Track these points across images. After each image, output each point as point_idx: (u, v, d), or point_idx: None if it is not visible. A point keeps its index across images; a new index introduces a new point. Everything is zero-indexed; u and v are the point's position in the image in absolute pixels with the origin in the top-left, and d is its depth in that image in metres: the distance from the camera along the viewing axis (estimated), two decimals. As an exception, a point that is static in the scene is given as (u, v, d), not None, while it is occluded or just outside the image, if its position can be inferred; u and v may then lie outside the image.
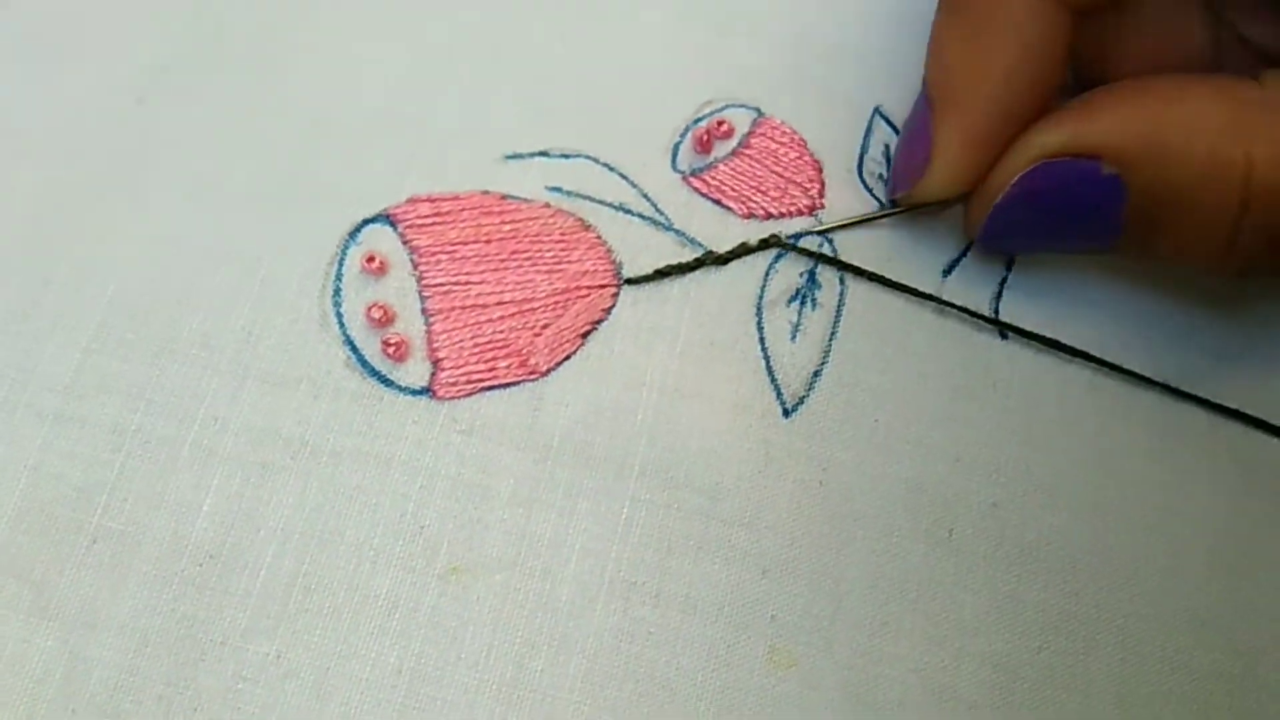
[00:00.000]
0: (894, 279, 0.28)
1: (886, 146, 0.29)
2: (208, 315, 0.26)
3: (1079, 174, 0.25)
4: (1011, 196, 0.26)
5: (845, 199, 0.29)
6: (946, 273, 0.28)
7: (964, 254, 0.28)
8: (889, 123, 0.30)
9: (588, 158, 0.29)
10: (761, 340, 0.27)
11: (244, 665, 0.24)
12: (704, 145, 0.29)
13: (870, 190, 0.29)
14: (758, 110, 0.30)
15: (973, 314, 0.28)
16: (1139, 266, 0.29)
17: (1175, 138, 0.24)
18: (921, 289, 0.28)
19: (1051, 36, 0.25)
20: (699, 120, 0.30)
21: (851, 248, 0.28)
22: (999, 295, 0.28)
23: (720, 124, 0.29)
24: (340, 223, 0.27)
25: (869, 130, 0.30)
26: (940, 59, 0.26)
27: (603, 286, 0.27)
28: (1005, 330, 0.28)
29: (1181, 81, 0.25)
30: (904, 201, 0.27)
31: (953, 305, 0.28)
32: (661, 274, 0.28)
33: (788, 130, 0.29)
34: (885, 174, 0.29)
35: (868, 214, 0.28)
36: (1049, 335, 0.28)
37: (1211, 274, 0.27)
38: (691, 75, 0.30)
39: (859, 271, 0.28)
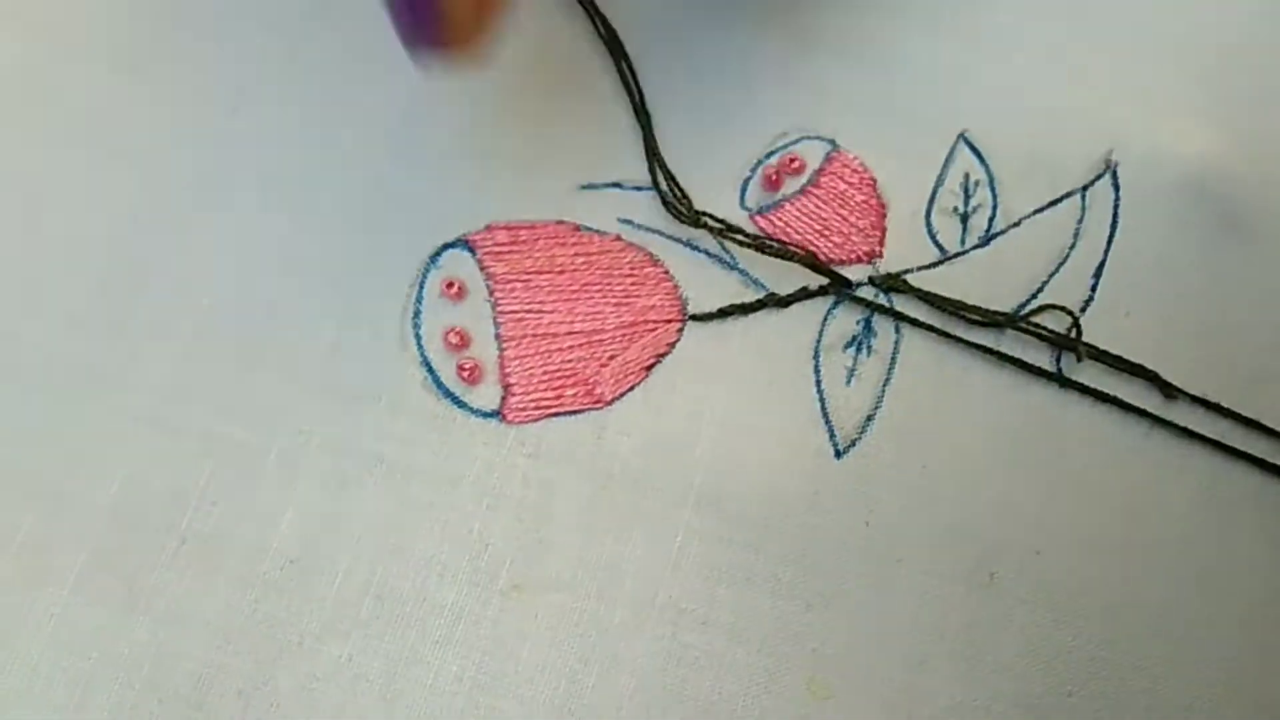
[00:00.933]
0: (953, 327, 0.29)
1: (966, 175, 0.30)
2: (295, 330, 0.28)
3: None
4: None
5: (905, 247, 0.29)
6: (1008, 322, 0.29)
7: (1029, 301, 0.29)
8: (974, 149, 0.30)
9: (658, 191, 0.30)
10: (818, 382, 0.28)
11: (318, 666, 0.25)
12: (774, 183, 0.30)
13: (935, 235, 0.29)
14: (832, 143, 0.30)
15: (1029, 366, 0.28)
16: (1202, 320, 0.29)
17: None
18: (983, 338, 0.29)
19: None
20: (771, 155, 0.30)
21: (910, 295, 0.29)
22: (1070, 333, 0.29)
23: (792, 160, 0.30)
24: (421, 246, 0.28)
25: (949, 160, 0.30)
26: None
27: (668, 321, 0.28)
28: (1064, 381, 0.28)
29: None
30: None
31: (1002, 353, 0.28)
32: (725, 313, 0.28)
33: (858, 169, 0.30)
34: (961, 208, 0.30)
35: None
36: (1107, 388, 0.28)
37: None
38: (769, 99, 0.31)
39: (915, 322, 0.28)
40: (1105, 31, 0.32)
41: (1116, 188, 0.31)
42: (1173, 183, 0.31)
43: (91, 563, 0.26)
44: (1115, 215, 0.30)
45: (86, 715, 0.25)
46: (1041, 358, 0.29)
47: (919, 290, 0.29)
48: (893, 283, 0.29)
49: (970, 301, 0.29)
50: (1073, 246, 0.30)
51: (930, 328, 0.28)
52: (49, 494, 0.26)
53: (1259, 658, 0.27)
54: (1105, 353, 0.29)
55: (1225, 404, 0.28)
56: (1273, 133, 0.31)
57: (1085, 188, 0.30)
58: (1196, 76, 0.32)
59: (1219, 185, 0.31)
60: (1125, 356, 0.29)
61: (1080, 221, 0.30)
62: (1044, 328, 0.29)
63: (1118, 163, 0.31)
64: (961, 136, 0.31)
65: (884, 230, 0.29)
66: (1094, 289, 0.30)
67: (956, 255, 0.29)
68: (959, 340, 0.28)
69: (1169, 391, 0.28)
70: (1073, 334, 0.29)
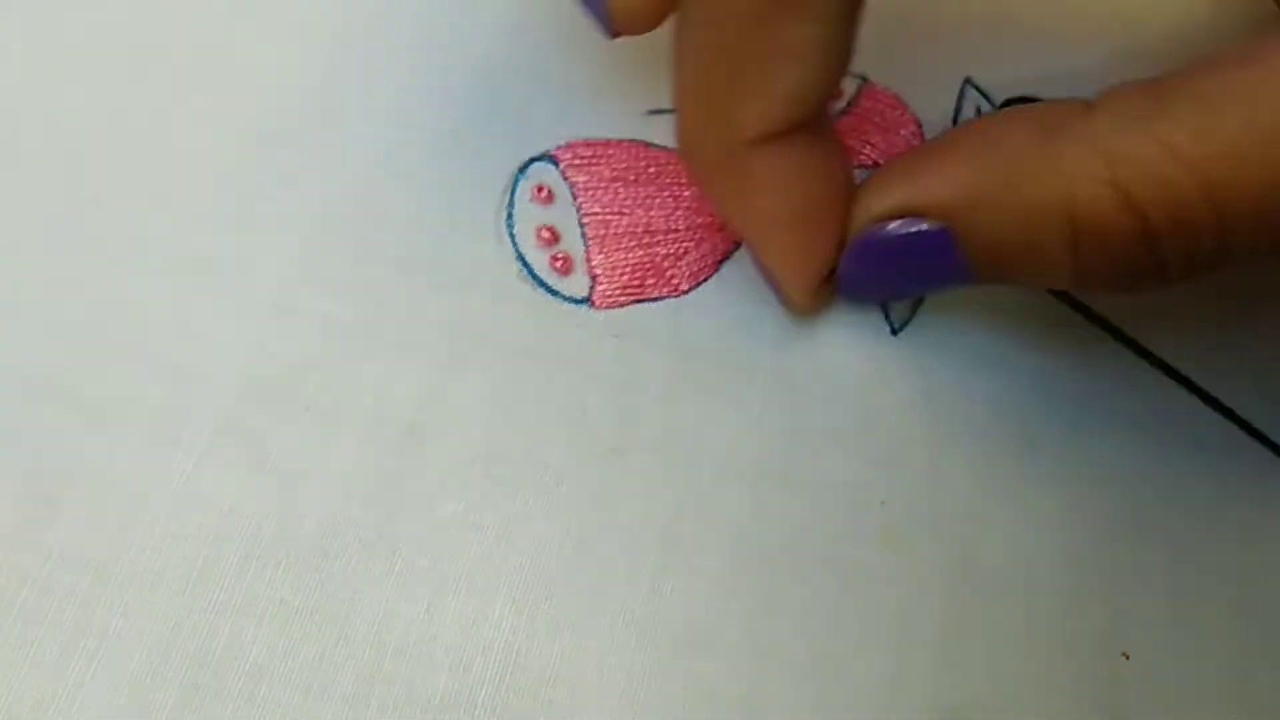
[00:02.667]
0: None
1: (978, 109, 0.34)
2: (403, 227, 0.30)
3: (907, 232, 0.26)
4: (850, 260, 0.28)
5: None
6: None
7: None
8: (979, 91, 0.34)
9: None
10: (872, 272, 0.32)
11: (436, 518, 0.27)
12: (816, 108, 0.34)
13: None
14: (863, 77, 0.34)
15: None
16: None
17: (993, 187, 0.24)
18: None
19: None
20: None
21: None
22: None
23: (830, 86, 0.34)
24: (510, 159, 0.31)
25: (962, 96, 0.34)
26: None
27: (734, 223, 0.32)
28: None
29: (1007, 122, 0.25)
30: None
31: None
32: (784, 215, 0.32)
33: (890, 94, 0.34)
34: None
35: None
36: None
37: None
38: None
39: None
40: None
41: None
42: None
43: (221, 429, 0.27)
44: None
45: (218, 566, 0.26)
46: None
47: None
48: None
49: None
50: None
51: None
52: (175, 369, 0.28)
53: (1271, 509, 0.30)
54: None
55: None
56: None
57: None
58: (1192, 22, 0.37)
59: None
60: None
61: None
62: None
63: None
64: (967, 81, 0.35)
65: (922, 136, 0.33)
66: None
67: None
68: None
69: None
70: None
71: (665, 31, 0.34)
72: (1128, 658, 0.28)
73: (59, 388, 0.27)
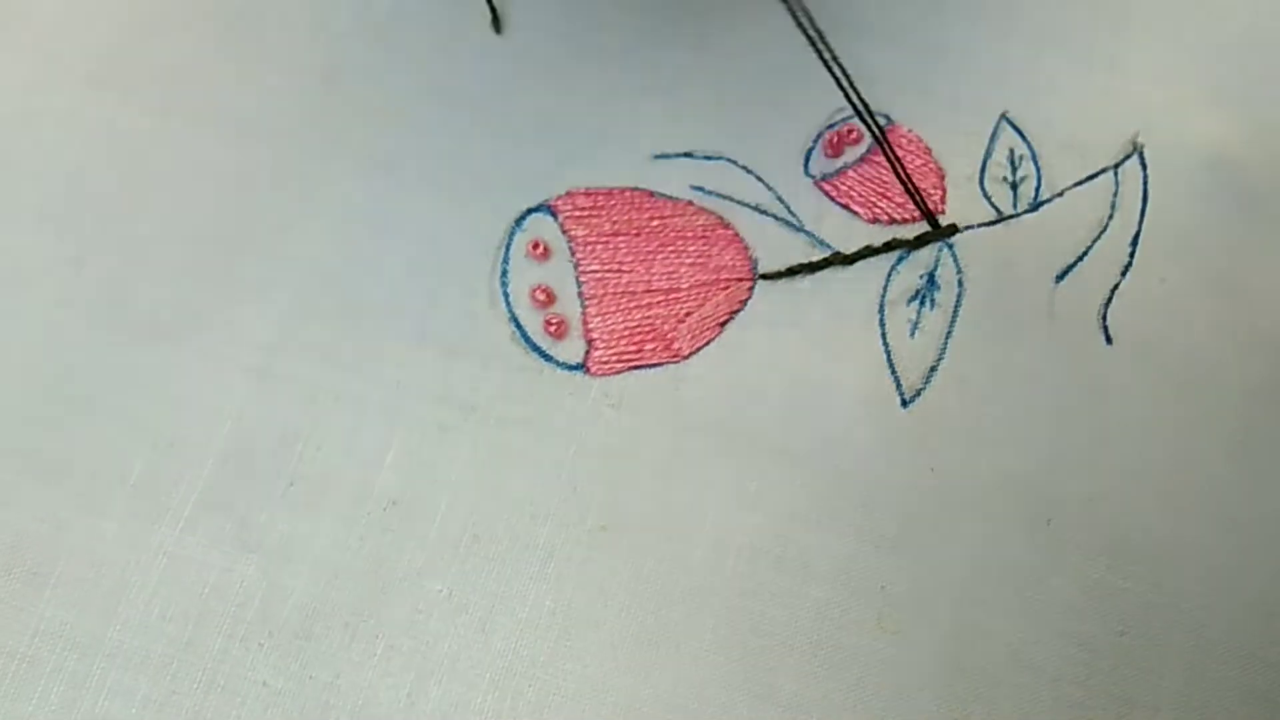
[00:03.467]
0: (1008, 283, 0.30)
1: (1012, 151, 0.32)
2: (392, 287, 0.29)
3: None
4: None
5: (964, 206, 0.31)
6: (1059, 278, 0.31)
7: (1078, 260, 0.31)
8: (1015, 129, 0.32)
9: (728, 160, 0.31)
10: (883, 335, 0.30)
11: (421, 600, 0.27)
12: (834, 150, 0.32)
13: (989, 198, 0.31)
14: (886, 118, 0.32)
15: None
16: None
17: None
18: (1034, 293, 0.30)
19: None
20: (831, 126, 0.32)
21: (970, 253, 0.31)
22: (1108, 302, 0.30)
23: (850, 131, 0.32)
24: (507, 210, 0.30)
25: (994, 136, 0.32)
26: None
27: (740, 280, 0.30)
28: (1110, 337, 0.30)
29: None
30: None
31: None
32: (794, 271, 0.30)
33: (913, 138, 0.32)
34: (1010, 178, 0.32)
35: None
36: (1153, 344, 0.30)
37: None
38: (824, 82, 0.32)
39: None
40: (1131, 19, 0.34)
41: (1144, 166, 0.33)
42: (1196, 162, 0.33)
43: (203, 503, 0.27)
44: (1145, 191, 0.32)
45: (200, 646, 0.26)
46: (1090, 314, 0.31)
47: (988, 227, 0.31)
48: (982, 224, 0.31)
49: (1016, 266, 0.31)
50: (1110, 218, 0.32)
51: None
52: (161, 439, 0.28)
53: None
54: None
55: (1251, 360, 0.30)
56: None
57: (1117, 166, 0.32)
58: (1217, 63, 0.34)
59: (1238, 164, 0.33)
60: (1163, 320, 0.31)
61: (1115, 195, 0.32)
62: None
63: (1144, 144, 0.33)
64: (1003, 116, 0.33)
65: (944, 191, 0.31)
66: (1131, 255, 0.31)
67: (1012, 217, 0.31)
68: (1014, 296, 0.30)
69: None
70: (1110, 298, 0.31)
71: (676, 75, 0.33)
72: (1133, 757, 0.27)
73: (40, 455, 0.27)
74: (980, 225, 0.31)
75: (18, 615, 0.26)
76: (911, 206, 0.31)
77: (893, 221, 0.31)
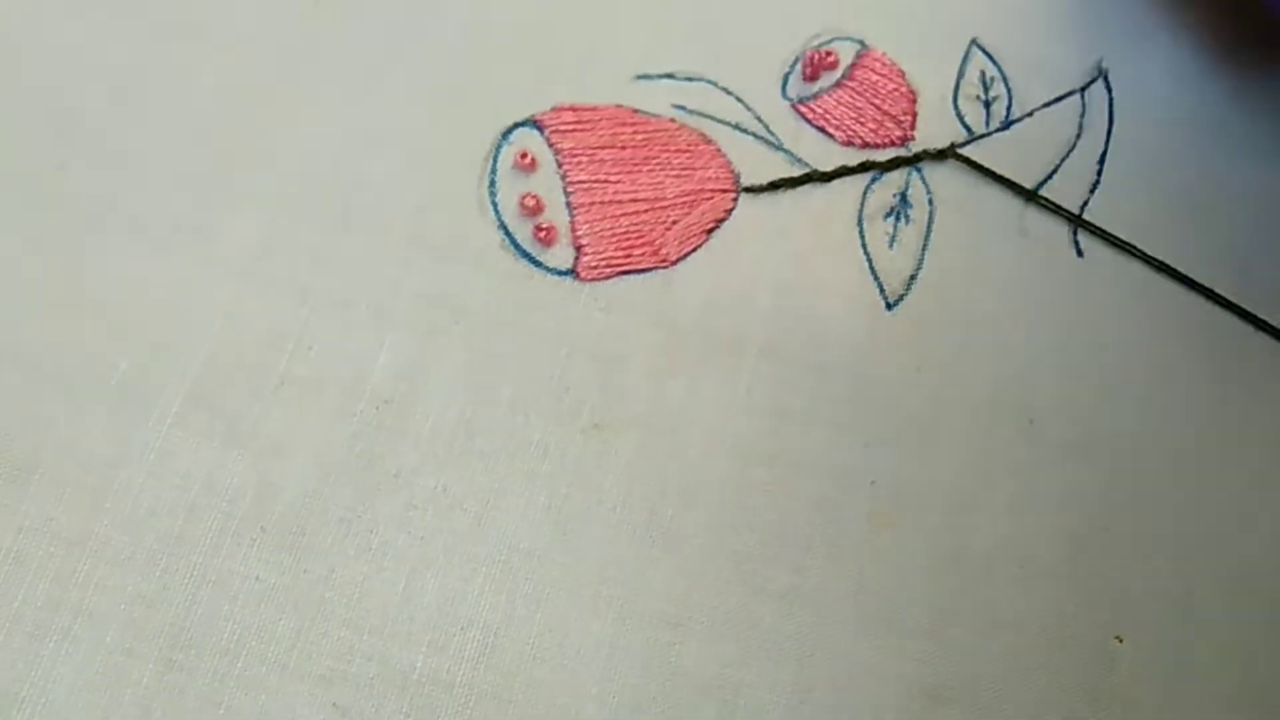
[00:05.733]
0: (978, 201, 0.31)
1: (982, 72, 0.33)
2: (381, 194, 0.29)
3: None
4: None
5: (935, 129, 0.32)
6: (1029, 197, 0.32)
7: (1047, 179, 0.32)
8: (985, 53, 0.33)
9: (708, 81, 0.32)
10: (864, 245, 0.31)
11: (415, 495, 0.27)
12: (811, 74, 0.32)
13: (962, 118, 0.32)
14: (861, 42, 0.33)
15: (1059, 209, 0.31)
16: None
17: None
18: (1005, 210, 0.31)
19: None
20: (808, 49, 0.33)
21: (939, 175, 0.32)
22: (1079, 218, 0.31)
23: (827, 55, 0.33)
24: (493, 124, 0.31)
25: (966, 59, 0.33)
26: None
27: (724, 191, 0.31)
28: (1080, 250, 0.31)
29: None
30: None
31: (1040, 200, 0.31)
32: (775, 185, 0.31)
33: (887, 63, 0.33)
34: (983, 96, 0.33)
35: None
36: (1121, 258, 0.31)
37: None
38: (801, 7, 0.34)
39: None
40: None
41: (1109, 89, 0.34)
42: (1159, 89, 0.34)
43: (190, 400, 0.27)
44: (1111, 112, 0.34)
45: (191, 542, 0.26)
46: (1060, 230, 0.32)
47: (967, 159, 0.32)
48: (950, 153, 0.32)
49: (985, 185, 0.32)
50: (1078, 136, 0.33)
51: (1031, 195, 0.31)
52: (147, 338, 0.27)
53: (1273, 494, 0.29)
54: (1104, 231, 0.32)
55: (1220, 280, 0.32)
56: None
57: (1083, 88, 0.34)
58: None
59: (1201, 86, 0.34)
60: (1127, 235, 0.32)
61: (1082, 116, 0.33)
62: (1057, 206, 0.32)
63: (1109, 68, 0.34)
64: (973, 41, 0.34)
65: (915, 115, 0.32)
66: (1099, 174, 0.33)
67: (983, 135, 0.32)
68: (989, 215, 0.31)
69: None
70: (1080, 213, 0.32)
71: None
72: (1121, 641, 0.27)
73: (24, 355, 0.27)
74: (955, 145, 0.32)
75: (2, 512, 0.25)
76: (885, 130, 0.32)
77: (865, 145, 0.32)
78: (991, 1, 0.34)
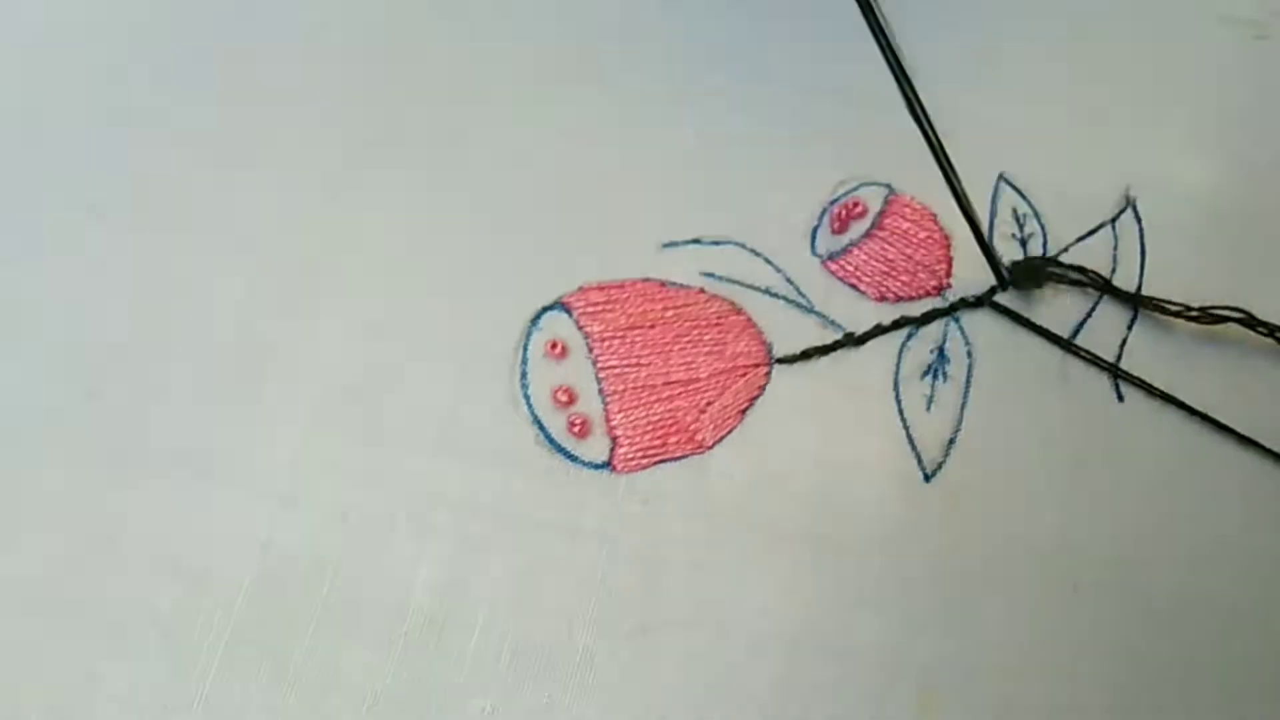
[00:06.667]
0: (1017, 349, 0.31)
1: (1014, 209, 0.32)
2: (413, 398, 0.29)
3: None
4: None
5: (972, 274, 0.32)
6: (1070, 339, 0.31)
7: (1085, 320, 0.31)
8: (1014, 188, 0.33)
9: (736, 244, 0.31)
10: (900, 412, 0.30)
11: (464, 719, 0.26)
12: (840, 227, 0.32)
13: (999, 260, 0.31)
14: (889, 187, 0.32)
15: (1099, 361, 0.30)
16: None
17: None
18: (1045, 356, 0.31)
19: None
20: (835, 200, 0.32)
21: (977, 324, 0.31)
22: (1118, 358, 0.31)
23: (855, 205, 0.32)
24: (522, 310, 0.30)
25: (995, 196, 0.32)
26: None
27: (757, 366, 0.30)
28: (1121, 394, 0.31)
29: None
30: None
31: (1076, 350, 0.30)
32: (808, 354, 0.30)
33: (918, 207, 0.32)
34: (1018, 235, 0.32)
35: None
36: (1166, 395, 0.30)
37: None
38: (824, 156, 0.33)
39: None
40: (1115, 75, 0.35)
41: (1138, 218, 0.33)
42: (1187, 211, 0.33)
43: (236, 638, 0.27)
44: (1142, 243, 0.33)
45: (248, 787, 0.26)
46: (1101, 374, 0.31)
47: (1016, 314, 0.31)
48: (989, 300, 0.31)
49: (1035, 320, 0.31)
50: (1113, 271, 0.32)
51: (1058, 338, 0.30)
52: (187, 574, 0.27)
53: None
54: (1143, 381, 0.31)
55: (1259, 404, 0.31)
56: (1266, 159, 0.34)
57: (1113, 220, 0.33)
58: (1200, 113, 0.34)
59: (1226, 210, 0.33)
60: (1168, 375, 0.31)
61: (1115, 249, 0.33)
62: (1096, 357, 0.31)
63: (1136, 197, 0.33)
64: (1001, 177, 0.33)
65: (949, 261, 0.32)
66: (1135, 309, 0.32)
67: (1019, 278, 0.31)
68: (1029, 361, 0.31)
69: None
70: (1120, 353, 0.31)
71: (679, 155, 0.32)
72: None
73: (68, 600, 0.27)
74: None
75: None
76: (919, 281, 0.31)
77: (899, 299, 0.31)
78: (1013, 132, 0.33)
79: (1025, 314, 0.31)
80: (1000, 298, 0.31)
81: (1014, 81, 0.34)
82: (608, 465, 0.29)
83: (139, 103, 0.32)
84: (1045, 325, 0.31)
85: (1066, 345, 0.31)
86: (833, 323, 0.31)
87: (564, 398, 0.29)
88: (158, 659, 0.26)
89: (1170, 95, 0.35)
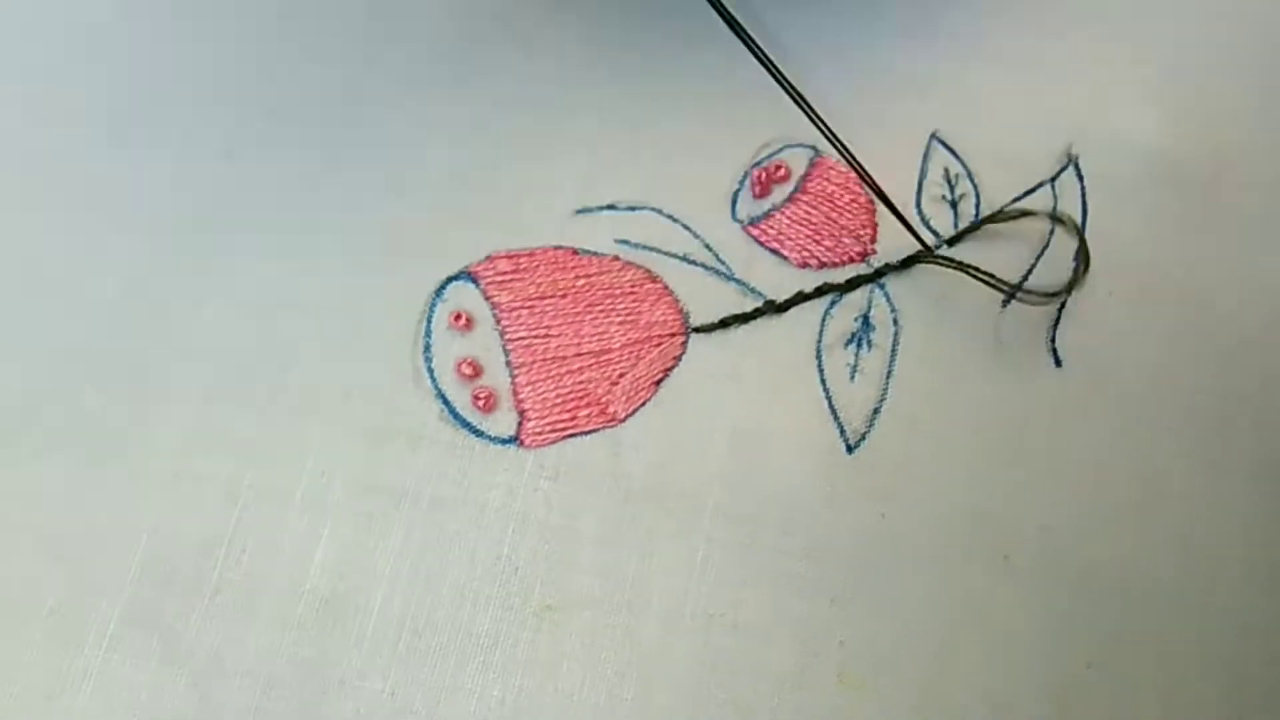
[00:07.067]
0: (948, 313, 0.30)
1: (946, 169, 0.31)
2: (309, 372, 0.28)
3: None
4: None
5: (898, 240, 0.30)
6: (1005, 303, 0.30)
7: (1017, 288, 0.30)
8: (946, 147, 0.31)
9: (652, 209, 0.30)
10: (823, 381, 0.29)
11: (362, 703, 0.26)
12: (762, 190, 0.31)
13: (928, 222, 0.31)
14: (814, 149, 0.31)
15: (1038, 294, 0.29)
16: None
17: None
18: (978, 321, 0.29)
19: None
20: (757, 164, 0.31)
21: (904, 289, 0.30)
22: (1056, 322, 0.30)
23: (777, 168, 0.31)
24: (425, 280, 0.29)
25: (926, 157, 0.31)
26: None
27: (672, 335, 0.29)
28: (1060, 360, 0.29)
29: None
30: None
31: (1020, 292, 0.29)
32: (725, 323, 0.29)
33: (843, 170, 0.31)
34: (949, 196, 0.31)
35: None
36: (1104, 362, 0.29)
37: None
38: (747, 119, 0.32)
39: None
40: (1056, 29, 0.33)
41: (1081, 178, 0.32)
42: (1133, 169, 0.32)
43: (125, 619, 0.26)
44: (1084, 203, 0.32)
45: (135, 772, 0.25)
46: (1038, 339, 0.30)
47: (951, 260, 0.29)
48: (919, 260, 0.30)
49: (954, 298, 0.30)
50: (1051, 232, 0.31)
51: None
52: (76, 555, 0.26)
53: (1265, 608, 0.28)
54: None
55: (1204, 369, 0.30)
56: (1221, 115, 0.33)
57: (1053, 179, 0.32)
58: (1147, 67, 0.33)
59: (1175, 168, 0.32)
60: (1112, 337, 0.30)
61: (1054, 209, 0.31)
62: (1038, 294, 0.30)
63: (1078, 155, 0.32)
64: (934, 136, 0.32)
65: (875, 226, 0.30)
66: (1076, 270, 0.31)
67: (953, 238, 0.30)
68: (957, 325, 0.29)
69: None
70: (1058, 317, 0.30)
71: (594, 117, 0.31)
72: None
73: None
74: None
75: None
76: (843, 247, 0.30)
77: (822, 265, 0.30)
78: (948, 91, 0.32)
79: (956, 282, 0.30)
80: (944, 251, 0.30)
81: (951, 37, 0.33)
82: (515, 440, 0.28)
83: (36, 60, 0.32)
84: (977, 288, 0.30)
85: (1012, 291, 0.29)
86: (753, 290, 0.30)
87: (469, 370, 0.28)
88: (44, 642, 0.26)
89: (1117, 49, 0.33)
